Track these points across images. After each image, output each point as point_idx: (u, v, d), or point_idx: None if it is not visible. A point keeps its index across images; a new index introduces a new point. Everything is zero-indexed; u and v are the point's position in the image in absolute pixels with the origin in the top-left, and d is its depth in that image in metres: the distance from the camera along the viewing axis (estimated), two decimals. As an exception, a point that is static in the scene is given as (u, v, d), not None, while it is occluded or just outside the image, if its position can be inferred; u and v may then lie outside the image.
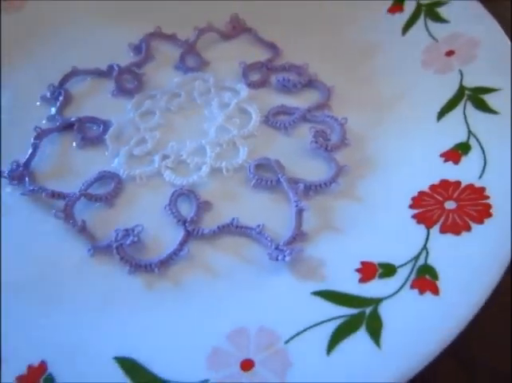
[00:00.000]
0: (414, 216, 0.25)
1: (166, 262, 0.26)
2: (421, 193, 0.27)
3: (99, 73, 0.36)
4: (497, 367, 0.24)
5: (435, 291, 0.22)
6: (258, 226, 0.27)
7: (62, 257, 0.27)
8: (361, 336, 0.21)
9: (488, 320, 0.24)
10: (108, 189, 0.29)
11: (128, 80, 0.35)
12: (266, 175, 0.29)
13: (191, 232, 0.27)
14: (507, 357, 0.24)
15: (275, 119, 0.32)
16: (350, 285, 0.23)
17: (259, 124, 0.32)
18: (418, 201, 0.26)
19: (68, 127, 0.33)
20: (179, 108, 0.33)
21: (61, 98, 0.34)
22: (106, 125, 0.32)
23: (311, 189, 0.28)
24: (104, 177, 0.30)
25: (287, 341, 0.21)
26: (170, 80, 0.35)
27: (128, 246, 0.27)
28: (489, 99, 0.29)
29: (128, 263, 0.26)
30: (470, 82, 0.31)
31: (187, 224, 0.27)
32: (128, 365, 0.21)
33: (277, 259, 0.25)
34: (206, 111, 0.33)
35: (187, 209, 0.29)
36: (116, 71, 0.35)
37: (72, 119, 0.32)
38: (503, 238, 0.23)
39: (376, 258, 0.24)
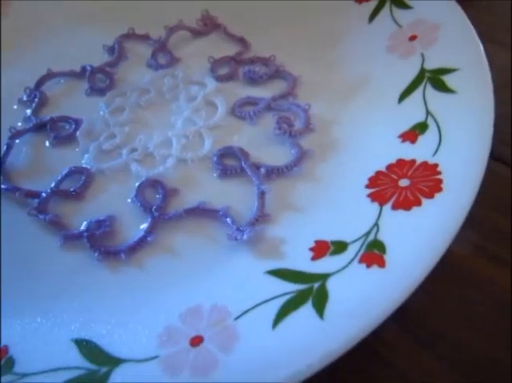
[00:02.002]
0: (369, 195, 0.26)
1: (133, 249, 0.27)
2: (378, 173, 0.27)
3: (73, 75, 0.37)
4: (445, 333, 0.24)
5: (382, 264, 0.22)
6: (223, 208, 0.27)
7: (33, 248, 0.28)
8: (306, 310, 0.21)
9: (438, 290, 0.25)
10: (79, 184, 0.30)
11: (101, 80, 0.36)
12: (231, 164, 0.30)
13: (158, 217, 0.28)
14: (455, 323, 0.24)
15: (241, 109, 0.33)
16: (302, 263, 0.24)
17: (225, 116, 0.33)
18: (374, 181, 0.27)
19: (41, 127, 0.34)
20: (149, 103, 0.34)
21: (36, 100, 0.35)
22: (78, 123, 0.33)
23: (273, 173, 0.29)
24: (74, 172, 0.31)
25: (237, 318, 0.22)
26: (141, 77, 0.36)
27: (98, 236, 0.27)
28: (447, 79, 0.30)
29: (97, 251, 0.27)
30: (431, 64, 0.31)
31: (153, 210, 0.28)
32: (85, 346, 0.22)
33: (235, 239, 0.25)
34: (174, 105, 0.34)
35: (154, 199, 0.29)
36: (89, 71, 0.36)
37: (45, 119, 0.33)
38: (452, 212, 0.23)
39: (330, 236, 0.25)
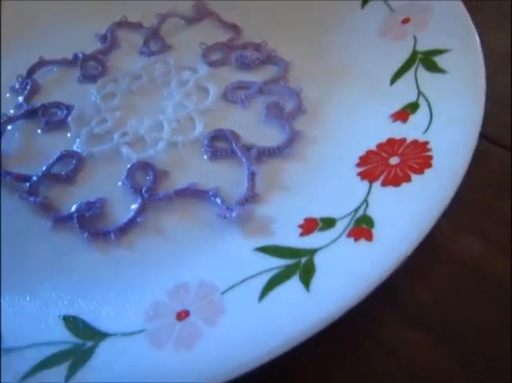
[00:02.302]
0: (359, 173, 0.26)
1: (123, 229, 0.27)
2: (369, 152, 0.27)
3: (65, 63, 0.37)
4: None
5: (369, 238, 0.22)
6: (213, 188, 0.27)
7: (24, 231, 0.28)
8: (293, 283, 0.21)
9: (426, 267, 0.25)
10: (70, 168, 0.30)
11: (93, 67, 0.36)
12: (222, 146, 0.30)
13: (148, 199, 0.27)
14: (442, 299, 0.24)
15: (233, 94, 0.33)
16: (291, 239, 0.23)
17: (217, 100, 0.33)
18: (365, 159, 0.26)
19: (33, 113, 0.34)
20: (140, 89, 0.34)
21: (28, 87, 0.35)
22: (69, 109, 0.33)
23: (264, 154, 0.29)
24: (65, 157, 0.31)
25: (224, 292, 0.22)
26: (133, 64, 0.36)
27: (88, 217, 0.27)
28: (439, 60, 0.30)
29: (87, 231, 0.27)
30: (423, 46, 0.31)
31: (143, 191, 0.28)
32: (72, 321, 0.22)
33: (225, 217, 0.25)
34: (166, 90, 0.34)
35: (144, 181, 0.29)
36: (81, 58, 0.36)
37: (37, 105, 0.33)
38: (441, 187, 0.23)
39: (319, 213, 0.24)
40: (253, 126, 0.31)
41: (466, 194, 0.27)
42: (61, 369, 0.20)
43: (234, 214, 0.25)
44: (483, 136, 0.30)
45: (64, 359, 0.20)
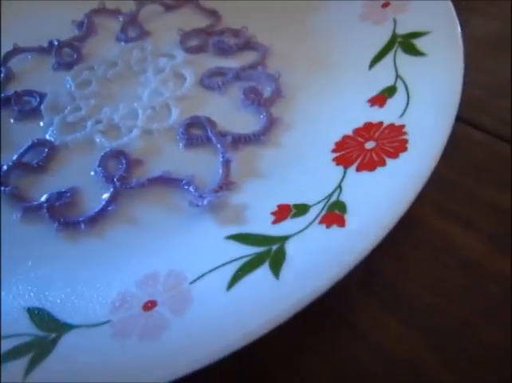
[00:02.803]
0: (334, 159, 0.25)
1: (94, 219, 0.26)
2: (345, 137, 0.26)
3: (41, 50, 0.36)
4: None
5: (342, 224, 0.21)
6: (187, 177, 0.27)
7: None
8: (263, 271, 0.20)
9: (407, 255, 0.24)
10: (42, 156, 0.29)
11: (68, 54, 0.35)
12: (197, 133, 0.29)
13: (120, 187, 0.27)
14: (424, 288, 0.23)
15: (210, 80, 0.32)
16: (263, 227, 0.23)
17: (194, 86, 0.32)
18: (341, 145, 0.26)
19: (6, 102, 0.33)
20: (116, 76, 0.33)
21: (2, 75, 0.34)
22: (42, 97, 0.32)
23: (240, 141, 0.28)
24: (37, 145, 0.30)
25: (192, 282, 0.21)
26: (110, 51, 0.35)
27: (58, 207, 0.27)
28: (418, 43, 0.29)
29: (57, 221, 0.26)
30: (403, 29, 0.30)
31: (115, 180, 0.27)
32: (36, 314, 0.21)
33: (197, 205, 0.25)
34: (142, 77, 0.33)
35: (117, 170, 0.28)
36: (56, 45, 0.35)
37: (9, 93, 0.33)
38: (415, 170, 0.22)
39: (293, 200, 0.24)
40: (229, 113, 0.31)
41: (449, 179, 0.27)
42: (22, 362, 0.19)
43: (205, 201, 0.24)
44: (465, 121, 0.30)
45: (25, 352, 0.19)
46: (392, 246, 0.23)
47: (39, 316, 0.21)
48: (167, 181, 0.27)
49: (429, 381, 0.21)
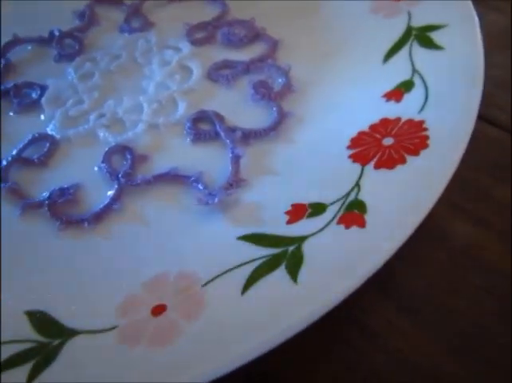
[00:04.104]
0: (350, 156, 0.24)
1: (98, 217, 0.25)
2: (360, 133, 0.25)
3: (41, 41, 0.35)
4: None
5: (362, 224, 0.20)
6: (195, 174, 0.25)
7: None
8: (279, 274, 0.19)
9: (422, 256, 0.23)
10: (43, 151, 0.28)
11: (70, 45, 0.34)
12: (205, 128, 0.28)
13: (125, 184, 0.26)
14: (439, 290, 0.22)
15: (217, 73, 0.31)
16: (277, 227, 0.22)
17: (201, 80, 0.31)
18: (356, 141, 0.25)
19: (5, 94, 0.32)
20: (120, 68, 0.32)
21: (1, 67, 0.33)
22: (43, 89, 0.31)
23: (250, 136, 0.27)
24: (37, 140, 0.29)
25: (204, 284, 0.20)
26: (113, 43, 0.34)
27: (60, 204, 0.25)
28: (435, 36, 0.28)
29: (59, 220, 0.25)
30: (418, 22, 0.29)
31: (120, 177, 0.26)
32: (38, 318, 0.20)
33: (207, 203, 0.24)
34: (147, 70, 0.32)
35: (122, 166, 0.27)
36: (57, 36, 0.34)
37: (8, 85, 0.31)
38: (438, 168, 0.21)
39: (308, 199, 0.23)
40: (238, 107, 0.29)
41: (463, 177, 0.26)
42: (23, 370, 0.18)
43: (216, 200, 0.23)
44: (481, 117, 0.29)
45: (27, 359, 0.18)
46: (407, 247, 0.22)
47: (41, 320, 0.20)
48: (175, 178, 0.26)
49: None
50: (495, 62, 0.33)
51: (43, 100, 0.31)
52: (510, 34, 0.35)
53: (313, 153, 0.26)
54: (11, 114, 0.31)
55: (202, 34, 0.34)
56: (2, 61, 0.33)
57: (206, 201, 0.24)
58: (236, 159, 0.26)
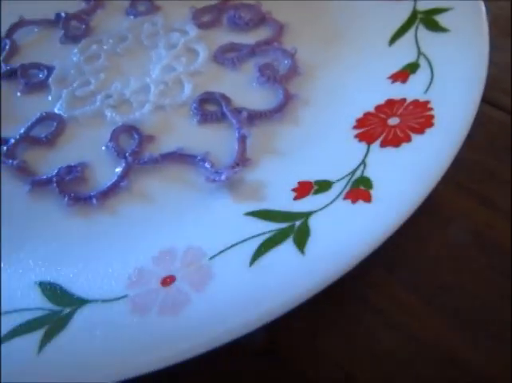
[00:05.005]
0: (356, 135, 0.24)
1: (105, 194, 0.25)
2: (366, 114, 0.25)
3: (47, 23, 0.35)
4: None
5: (368, 199, 0.20)
6: (202, 153, 0.26)
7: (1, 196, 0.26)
8: (287, 247, 0.20)
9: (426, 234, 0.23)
10: (50, 130, 0.28)
11: (76, 27, 0.34)
12: (211, 109, 0.28)
13: (132, 162, 0.26)
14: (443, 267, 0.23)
15: (223, 56, 0.31)
16: (284, 203, 0.22)
17: (207, 62, 0.31)
18: (362, 121, 0.25)
19: (12, 75, 0.32)
20: (126, 50, 0.32)
21: (7, 48, 0.33)
22: (50, 70, 0.31)
23: (256, 117, 0.27)
24: (45, 119, 0.29)
25: (212, 257, 0.20)
26: (119, 25, 0.34)
27: (69, 181, 0.26)
28: (440, 19, 0.28)
29: (67, 196, 0.25)
30: (424, 5, 0.30)
31: (127, 155, 0.26)
32: (49, 288, 0.21)
33: (214, 181, 0.24)
34: (153, 52, 0.32)
35: (129, 145, 0.28)
36: (64, 18, 0.34)
37: (15, 65, 0.32)
38: (443, 146, 0.22)
39: (314, 176, 0.23)
40: (244, 89, 0.30)
41: (468, 157, 0.26)
42: (36, 336, 0.18)
43: (223, 177, 0.24)
44: (486, 100, 0.29)
45: (39, 326, 0.19)
46: (412, 225, 0.23)
47: (52, 290, 0.20)
48: (181, 157, 0.26)
49: (448, 359, 0.20)
50: (501, 47, 0.33)
51: (50, 80, 0.31)
52: (512, 18, 0.35)
53: (319, 133, 0.26)
54: (19, 94, 0.31)
55: (208, 18, 0.34)
56: (8, 42, 0.33)
57: (213, 179, 0.24)
58: (243, 139, 0.26)
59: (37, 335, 0.18)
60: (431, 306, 0.22)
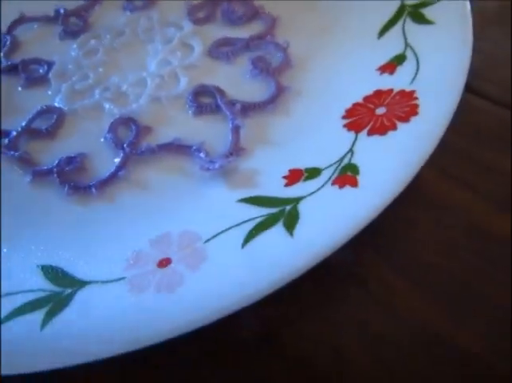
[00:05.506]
0: (345, 125, 0.25)
1: (104, 183, 0.26)
2: (355, 104, 0.26)
3: (47, 19, 0.36)
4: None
5: (354, 184, 0.21)
6: (197, 143, 0.27)
7: (2, 185, 0.27)
8: (277, 230, 0.21)
9: (412, 217, 0.24)
10: (51, 123, 0.29)
11: (75, 23, 0.35)
12: (206, 101, 0.29)
13: (130, 153, 0.27)
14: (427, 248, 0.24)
15: (218, 50, 0.32)
16: (275, 190, 0.23)
17: (202, 56, 0.32)
18: (351, 112, 0.26)
19: (13, 69, 0.33)
20: (123, 45, 0.33)
21: (8, 44, 0.34)
22: (50, 65, 0.32)
23: (250, 109, 0.28)
24: (46, 112, 0.30)
25: (206, 241, 0.21)
26: (116, 20, 0.35)
27: (69, 172, 0.27)
28: (427, 12, 0.29)
29: (67, 185, 0.26)
30: (412, -1, 0.30)
31: (125, 146, 0.27)
32: (50, 271, 0.22)
33: (208, 169, 0.25)
34: (150, 47, 0.33)
35: (127, 136, 0.28)
36: (63, 14, 0.35)
37: (16, 61, 0.32)
38: (427, 133, 0.22)
39: (304, 164, 0.24)
40: (238, 82, 0.30)
41: (452, 144, 0.27)
42: (39, 315, 0.19)
43: (217, 165, 0.24)
44: (472, 90, 0.30)
45: (41, 305, 0.20)
46: (399, 209, 0.24)
47: (53, 273, 0.21)
48: (178, 148, 0.27)
49: (434, 337, 0.21)
50: (487, 37, 0.34)
51: (50, 75, 0.32)
52: (503, 11, 0.36)
53: (310, 123, 0.27)
54: (20, 89, 0.32)
55: (203, 13, 0.35)
56: (9, 38, 0.34)
57: (207, 167, 0.25)
58: (236, 130, 0.27)
59: (40, 314, 0.19)
60: (418, 287, 0.23)
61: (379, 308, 0.22)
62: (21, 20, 0.35)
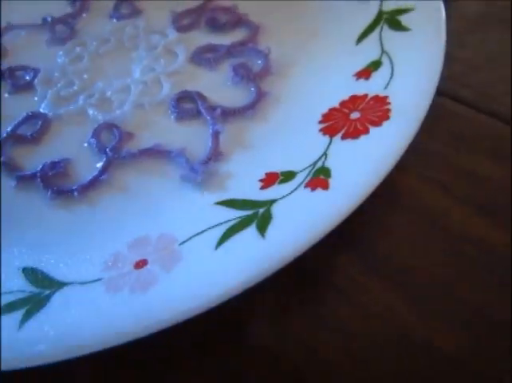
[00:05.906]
0: (321, 129, 0.26)
1: (86, 187, 0.27)
2: (331, 109, 0.27)
3: (34, 27, 0.36)
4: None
5: (326, 187, 0.22)
6: (177, 149, 0.27)
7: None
8: (250, 231, 0.21)
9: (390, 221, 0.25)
10: (36, 129, 0.30)
11: (62, 31, 0.36)
12: (188, 107, 0.30)
13: (112, 157, 0.27)
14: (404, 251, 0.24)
15: (201, 56, 0.33)
16: (251, 193, 0.24)
17: (185, 63, 0.33)
18: (327, 116, 0.27)
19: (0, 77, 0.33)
20: (108, 52, 0.34)
21: (-4, 51, 0.35)
22: (36, 72, 0.33)
23: (230, 114, 0.29)
24: (31, 118, 0.30)
25: (182, 243, 0.22)
26: (103, 28, 0.36)
27: (52, 176, 0.27)
28: (403, 19, 0.30)
29: (50, 189, 0.27)
30: (389, 6, 0.31)
31: (107, 150, 0.28)
32: (31, 273, 0.22)
33: (189, 180, 0.25)
34: (134, 54, 0.33)
35: (110, 141, 0.29)
36: (50, 21, 0.35)
37: (3, 68, 0.33)
38: (397, 137, 0.23)
39: (280, 168, 0.25)
40: (220, 88, 0.31)
41: (430, 149, 0.28)
42: (17, 315, 0.20)
43: (199, 179, 0.25)
44: (447, 95, 0.31)
45: (20, 306, 0.20)
46: (375, 211, 0.24)
47: (33, 274, 0.22)
48: (158, 153, 0.28)
49: (407, 337, 0.22)
50: (466, 44, 0.35)
51: (36, 81, 0.32)
52: (483, 18, 0.37)
53: (287, 128, 0.27)
54: (6, 95, 0.33)
55: (187, 21, 0.35)
56: (-3, 46, 0.35)
57: (189, 179, 0.26)
58: (216, 135, 0.28)
59: (18, 314, 0.20)
60: (390, 286, 0.23)
61: (351, 307, 0.23)
62: (8, 28, 0.36)
